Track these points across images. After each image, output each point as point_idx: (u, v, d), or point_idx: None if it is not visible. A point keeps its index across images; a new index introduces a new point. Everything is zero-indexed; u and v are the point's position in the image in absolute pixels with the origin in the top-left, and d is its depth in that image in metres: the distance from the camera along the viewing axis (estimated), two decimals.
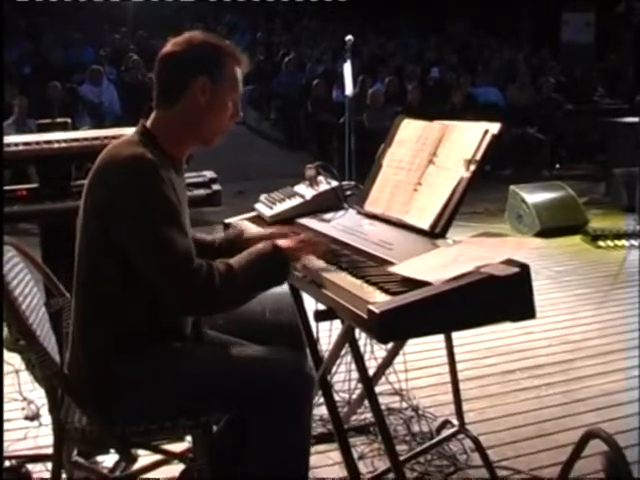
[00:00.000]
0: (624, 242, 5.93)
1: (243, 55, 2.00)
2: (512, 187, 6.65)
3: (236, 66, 1.97)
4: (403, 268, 1.80)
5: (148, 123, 1.95)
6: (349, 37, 5.89)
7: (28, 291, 2.06)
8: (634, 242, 5.89)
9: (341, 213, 2.44)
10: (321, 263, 1.99)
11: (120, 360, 1.87)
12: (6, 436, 2.66)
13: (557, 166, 9.64)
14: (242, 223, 2.56)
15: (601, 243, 5.96)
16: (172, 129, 1.93)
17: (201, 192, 3.22)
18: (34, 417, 2.96)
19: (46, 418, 2.75)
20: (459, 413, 2.71)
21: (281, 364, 1.92)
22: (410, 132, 2.36)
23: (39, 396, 2.80)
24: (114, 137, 3.19)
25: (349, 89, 6.26)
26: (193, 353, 1.94)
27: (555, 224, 6.22)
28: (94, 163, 1.89)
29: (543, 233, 6.12)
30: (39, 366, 1.86)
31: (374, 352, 2.89)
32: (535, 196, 6.43)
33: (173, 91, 1.92)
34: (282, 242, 1.96)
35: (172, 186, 1.84)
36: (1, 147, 2.89)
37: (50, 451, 2.02)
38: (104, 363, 1.88)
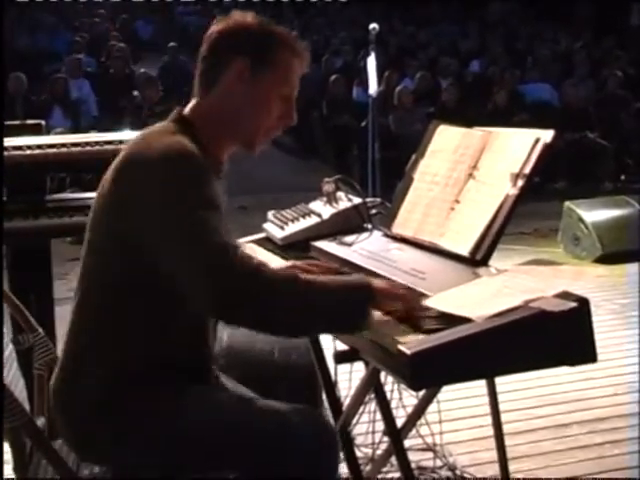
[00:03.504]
0: None
1: (303, 48, 1.99)
2: (567, 203, 6.67)
3: (291, 57, 1.96)
4: (438, 301, 1.83)
5: (186, 110, 1.97)
6: (374, 25, 5.96)
7: None
8: None
9: (365, 235, 2.47)
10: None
11: (112, 407, 1.85)
12: None
13: (622, 177, 9.65)
14: (249, 247, 2.58)
15: None
16: (209, 119, 1.94)
17: None
18: None
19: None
20: (504, 474, 2.71)
21: (301, 419, 1.87)
22: (446, 140, 2.39)
23: None
24: (97, 143, 3.24)
25: (373, 86, 6.33)
26: (197, 401, 1.91)
27: (620, 248, 6.22)
28: (111, 164, 1.86)
29: (605, 259, 6.14)
30: (5, 415, 1.86)
31: (403, 399, 2.90)
32: (595, 214, 6.44)
33: (210, 73, 1.96)
34: (377, 283, 1.87)
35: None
36: (2, 152, 2.93)
37: None
38: (93, 409, 1.86)
